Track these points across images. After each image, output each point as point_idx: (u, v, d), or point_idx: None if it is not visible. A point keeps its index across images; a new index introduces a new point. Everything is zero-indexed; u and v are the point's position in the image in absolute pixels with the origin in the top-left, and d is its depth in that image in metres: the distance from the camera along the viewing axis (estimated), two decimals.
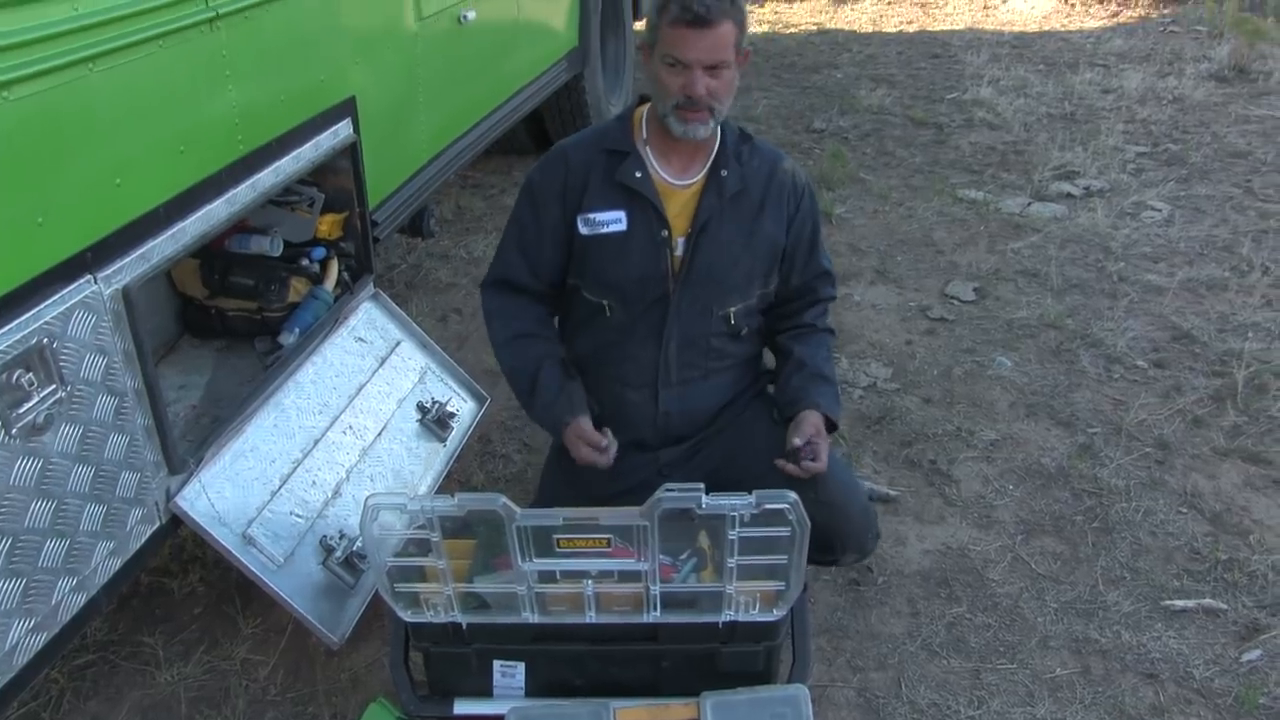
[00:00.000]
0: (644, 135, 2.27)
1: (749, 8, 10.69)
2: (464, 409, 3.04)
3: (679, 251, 2.25)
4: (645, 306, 2.27)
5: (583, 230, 2.25)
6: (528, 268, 2.34)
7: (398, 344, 2.94)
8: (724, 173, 2.26)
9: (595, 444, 2.22)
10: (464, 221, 5.11)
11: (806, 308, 2.43)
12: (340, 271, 2.91)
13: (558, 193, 2.27)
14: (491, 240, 4.78)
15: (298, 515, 2.38)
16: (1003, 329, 4.00)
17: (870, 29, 9.58)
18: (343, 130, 2.79)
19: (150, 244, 2.07)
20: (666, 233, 2.23)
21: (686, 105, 2.13)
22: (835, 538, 2.25)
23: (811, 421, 2.23)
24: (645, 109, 2.28)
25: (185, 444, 2.26)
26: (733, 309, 2.31)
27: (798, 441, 2.19)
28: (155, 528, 2.15)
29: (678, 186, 2.26)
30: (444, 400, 2.95)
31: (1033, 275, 4.44)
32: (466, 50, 3.80)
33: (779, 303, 2.42)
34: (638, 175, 2.22)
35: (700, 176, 2.27)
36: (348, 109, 2.82)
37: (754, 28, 9.72)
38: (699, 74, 2.10)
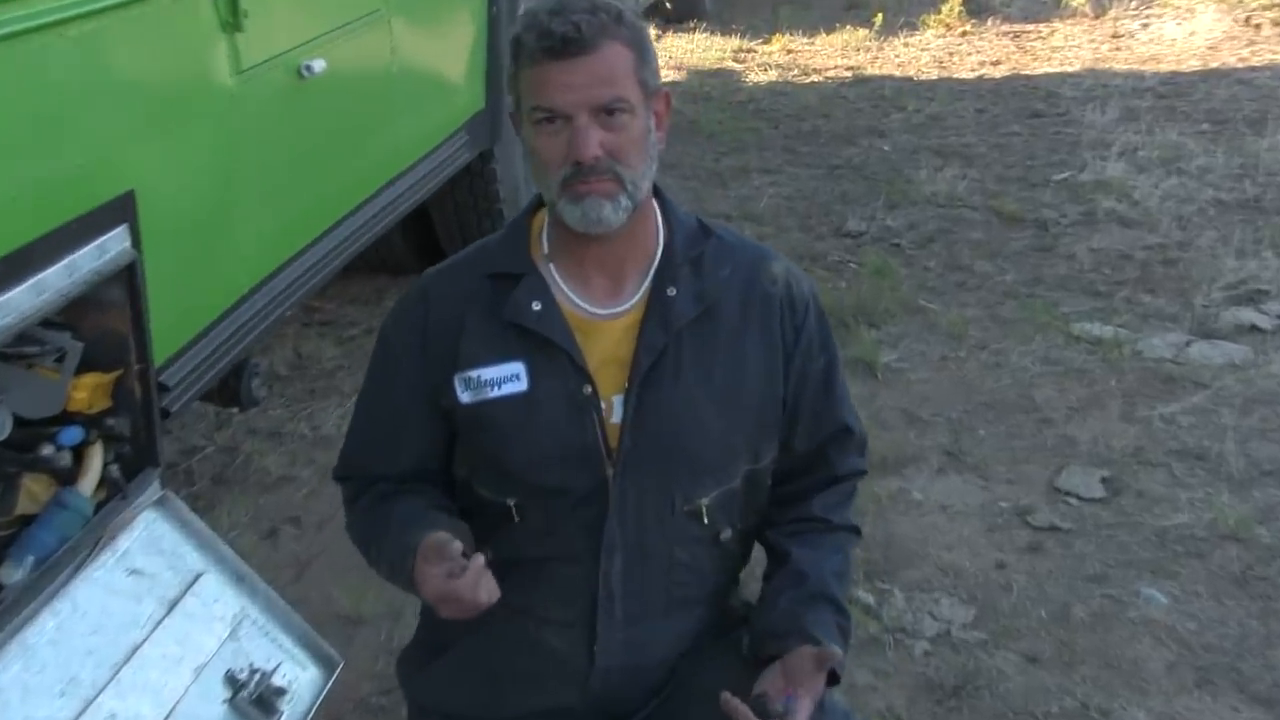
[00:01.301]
0: (545, 249, 2.37)
1: (750, 45, 11.02)
2: (301, 680, 2.91)
3: (615, 417, 2.32)
4: (572, 504, 2.32)
5: (463, 397, 2.33)
6: (388, 455, 2.43)
7: (197, 577, 2.85)
8: (671, 291, 2.32)
9: (444, 553, 2.14)
10: (307, 379, 5.16)
11: (817, 489, 2.48)
12: (106, 464, 2.86)
13: (415, 344, 2.37)
14: (350, 409, 4.79)
15: None
16: (1151, 544, 4.01)
17: (934, 74, 9.86)
18: (114, 244, 2.77)
19: None
20: (590, 389, 2.30)
21: (576, 176, 2.19)
22: None
23: (799, 663, 2.22)
24: (546, 211, 2.37)
25: None
26: (705, 500, 2.35)
27: (768, 690, 2.18)
28: None
29: (603, 317, 2.34)
30: (269, 666, 2.83)
31: (1197, 457, 4.48)
32: (312, 119, 3.87)
33: (776, 480, 2.47)
34: (535, 307, 2.30)
35: (638, 299, 2.34)
36: (122, 211, 2.82)
37: (757, 75, 9.98)
38: (585, 123, 2.17)
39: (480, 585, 2.11)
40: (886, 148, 8.10)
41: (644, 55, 2.20)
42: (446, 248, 5.59)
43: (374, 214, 4.34)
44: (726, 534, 2.40)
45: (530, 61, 2.16)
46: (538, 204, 2.40)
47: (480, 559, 2.12)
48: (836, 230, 6.76)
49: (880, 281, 6.00)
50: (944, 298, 5.95)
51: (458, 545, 2.12)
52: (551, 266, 2.34)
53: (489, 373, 2.30)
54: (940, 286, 6.07)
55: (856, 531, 2.50)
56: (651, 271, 2.34)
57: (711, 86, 9.91)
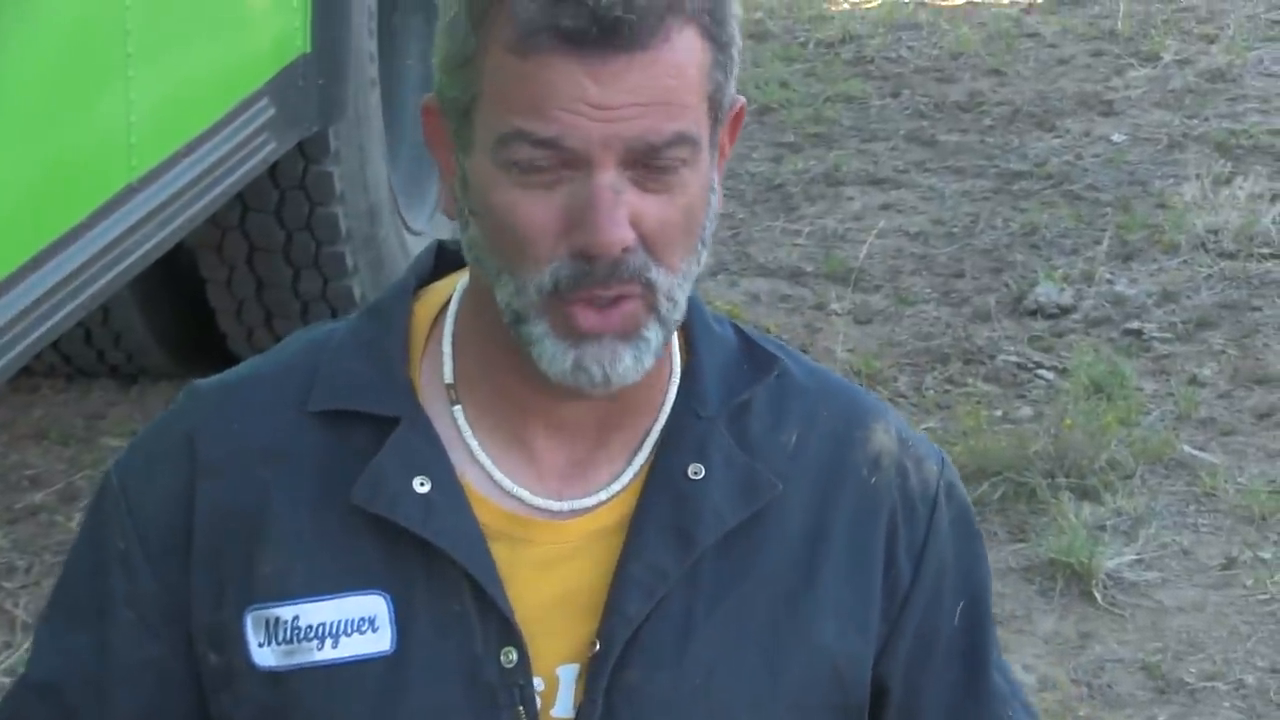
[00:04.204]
0: (447, 372, 1.73)
1: None
2: None
3: (563, 708, 1.73)
4: None
5: (260, 657, 1.68)
6: None
7: None
8: (696, 471, 1.74)
9: None
10: None
11: None
12: None
13: (161, 533, 1.72)
14: (27, 653, 4.71)
15: None
16: None
17: None
18: None
19: None
20: (514, 657, 1.69)
21: (581, 281, 1.54)
22: None
23: None
24: (458, 287, 1.73)
25: None
26: None
27: None
28: None
29: (556, 515, 1.73)
30: None
31: None
32: None
33: None
34: (420, 488, 1.69)
35: (626, 481, 1.72)
36: None
37: None
38: (613, 181, 1.50)
39: None
40: (1117, 137, 6.62)
41: (721, 44, 1.55)
42: (231, 335, 4.87)
43: (79, 265, 3.72)
44: None
45: (522, 40, 1.48)
46: (428, 272, 1.72)
47: None
48: (1015, 304, 5.56)
49: (1103, 408, 4.80)
50: (1232, 442, 4.77)
51: None
52: (460, 410, 1.70)
53: (317, 612, 1.65)
54: (1225, 419, 4.89)
55: None
56: (655, 430, 1.70)
57: (773, 8, 7.80)
